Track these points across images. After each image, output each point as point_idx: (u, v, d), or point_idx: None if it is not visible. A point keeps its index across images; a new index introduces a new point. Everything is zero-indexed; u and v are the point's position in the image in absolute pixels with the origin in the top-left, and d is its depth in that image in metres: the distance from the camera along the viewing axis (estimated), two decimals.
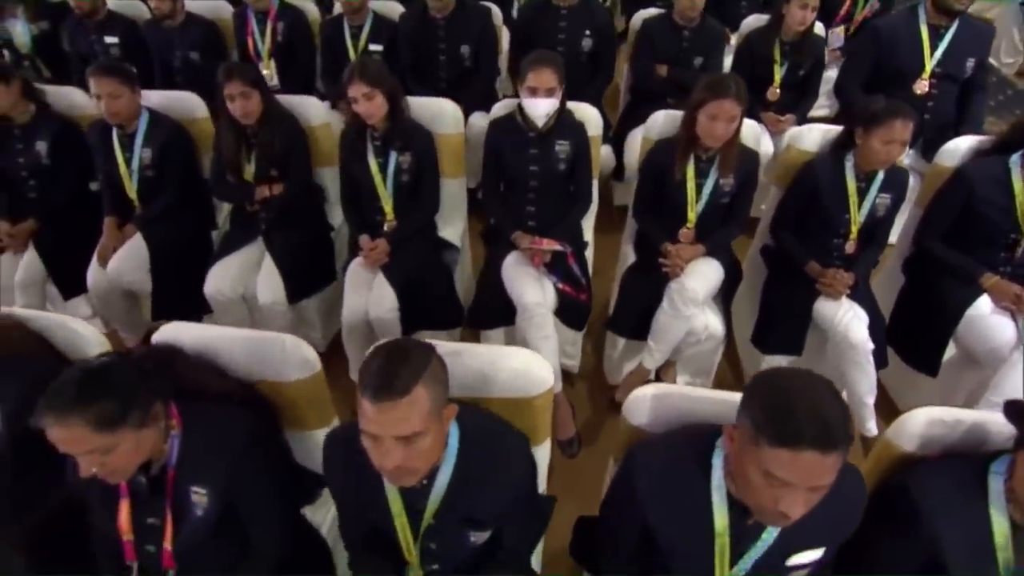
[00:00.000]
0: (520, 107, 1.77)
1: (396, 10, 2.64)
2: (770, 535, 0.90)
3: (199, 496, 1.02)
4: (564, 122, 1.78)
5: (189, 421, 1.04)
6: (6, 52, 2.89)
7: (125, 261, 1.93)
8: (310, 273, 2.00)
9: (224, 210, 2.28)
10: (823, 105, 2.88)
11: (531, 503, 1.06)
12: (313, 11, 2.79)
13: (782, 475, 0.75)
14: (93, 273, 1.98)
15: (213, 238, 2.20)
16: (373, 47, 2.57)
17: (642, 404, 1.08)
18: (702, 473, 0.92)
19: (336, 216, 2.16)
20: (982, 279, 1.66)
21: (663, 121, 1.88)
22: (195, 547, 1.06)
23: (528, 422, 1.14)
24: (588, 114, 1.89)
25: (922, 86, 2.17)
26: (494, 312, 1.85)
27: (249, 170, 1.90)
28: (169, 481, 1.02)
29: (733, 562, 0.92)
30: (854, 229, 1.74)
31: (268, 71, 2.70)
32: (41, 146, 2.07)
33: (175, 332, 1.18)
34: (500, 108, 1.90)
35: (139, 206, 2.03)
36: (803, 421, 0.74)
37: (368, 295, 1.79)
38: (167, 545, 1.05)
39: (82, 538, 1.24)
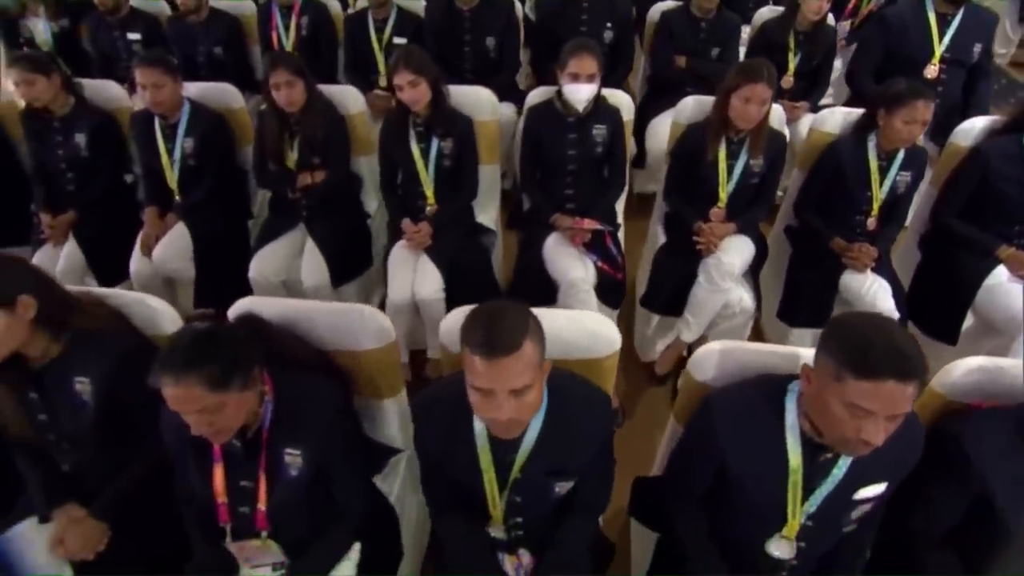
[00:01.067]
0: (559, 93, 1.84)
1: (420, 4, 2.70)
2: (840, 470, 0.98)
3: (293, 457, 1.08)
4: (600, 107, 1.86)
5: (280, 386, 1.09)
6: (27, 50, 2.89)
7: (169, 249, 1.97)
8: (350, 258, 2.05)
9: (259, 200, 2.33)
10: (828, 94, 2.99)
11: (608, 459, 1.13)
12: (336, 6, 2.85)
13: (866, 405, 0.83)
14: (136, 262, 2.02)
15: (249, 227, 2.25)
16: (397, 40, 2.62)
17: (708, 360, 1.16)
18: (776, 415, 1.00)
19: (371, 204, 2.22)
20: (999, 251, 1.77)
21: (692, 106, 1.97)
22: (287, 508, 1.11)
23: (597, 382, 1.21)
24: (621, 100, 1.97)
25: (932, 71, 2.28)
26: (533, 292, 1.92)
27: (291, 158, 1.95)
28: (264, 443, 1.08)
29: (805, 498, 1.00)
30: (875, 206, 1.84)
31: None
32: (80, 138, 2.10)
33: (254, 305, 1.23)
34: (536, 96, 1.97)
35: (179, 195, 2.08)
36: (882, 354, 0.82)
37: (413, 277, 1.85)
38: (261, 506, 1.10)
39: (168, 506, 1.29)
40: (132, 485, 1.27)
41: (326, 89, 2.01)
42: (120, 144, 2.21)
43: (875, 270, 1.81)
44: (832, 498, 1.00)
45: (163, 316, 1.31)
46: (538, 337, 0.93)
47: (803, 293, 1.94)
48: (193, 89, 2.09)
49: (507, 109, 2.41)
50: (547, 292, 1.88)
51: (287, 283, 2.00)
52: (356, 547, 1.21)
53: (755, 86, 1.67)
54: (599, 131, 1.87)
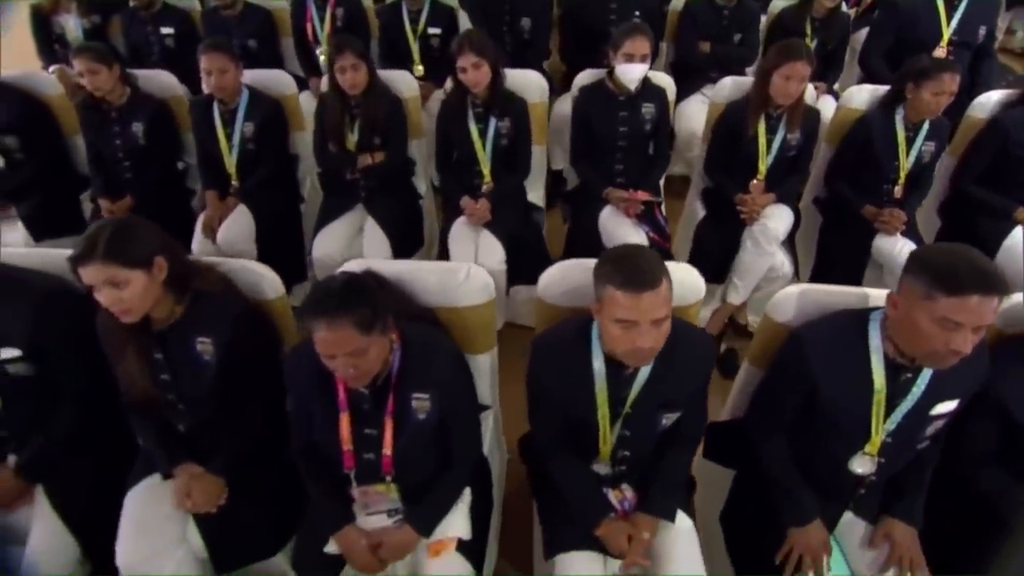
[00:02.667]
0: (610, 73, 1.97)
1: None
2: (919, 388, 1.12)
3: (420, 401, 1.17)
4: (648, 86, 1.99)
5: (406, 334, 1.18)
6: (57, 46, 2.93)
7: (233, 231, 2.04)
8: (407, 237, 2.14)
9: (308, 185, 2.41)
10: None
11: (705, 396, 1.25)
12: None
13: (956, 318, 0.96)
14: (198, 244, 2.08)
15: (301, 210, 2.33)
16: (432, 30, 2.72)
17: (787, 303, 1.28)
18: (861, 342, 1.12)
19: (421, 186, 2.32)
20: (1016, 213, 1.93)
21: (729, 87, 2.10)
22: (411, 452, 1.20)
23: None
24: (665, 80, 2.10)
25: (940, 54, 2.45)
26: None
27: (351, 139, 2.03)
28: (392, 389, 1.16)
29: (887, 415, 1.13)
30: (902, 174, 1.99)
31: (327, 56, 2.82)
32: (137, 127, 2.16)
33: (366, 267, 1.32)
34: (586, 77, 2.10)
35: (236, 179, 2.14)
36: (968, 272, 0.95)
37: (474, 251, 1.95)
38: (387, 451, 1.19)
39: (279, 465, 1.37)
40: (246, 444, 1.35)
41: (382, 74, 2.10)
42: (174, 132, 2.27)
43: (903, 234, 1.97)
44: (911, 414, 1.13)
45: (267, 282, 1.39)
46: (668, 275, 1.04)
47: (836, 257, 2.09)
48: (248, 76, 2.16)
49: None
50: None
51: (347, 262, 2.07)
52: (467, 493, 1.30)
53: (795, 64, 1.81)
54: (647, 109, 1.99)
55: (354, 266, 1.31)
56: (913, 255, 1.06)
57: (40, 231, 2.22)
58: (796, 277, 2.10)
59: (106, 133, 2.17)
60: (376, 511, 1.27)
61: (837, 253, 2.09)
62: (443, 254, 2.05)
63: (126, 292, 1.13)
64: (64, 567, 1.35)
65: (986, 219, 2.00)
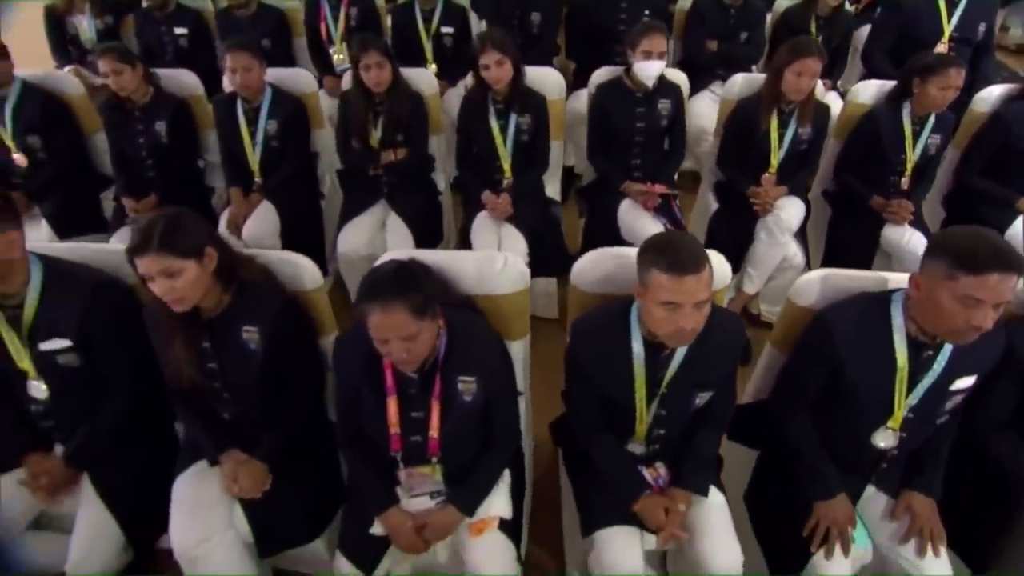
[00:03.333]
0: (627, 70, 2.03)
1: None
2: (939, 364, 1.18)
3: (466, 384, 1.22)
4: (664, 83, 2.05)
5: (451, 320, 1.23)
6: (71, 47, 2.95)
7: (259, 227, 2.08)
8: (429, 231, 2.20)
9: (328, 181, 2.45)
10: None
11: (735, 376, 1.31)
12: None
13: (978, 295, 1.02)
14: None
15: (322, 207, 2.37)
16: (445, 30, 2.78)
17: (809, 288, 1.35)
18: (884, 322, 1.19)
19: (440, 181, 2.37)
20: (1018, 203, 2.01)
21: (741, 83, 2.17)
22: (457, 434, 1.25)
23: None
24: (680, 77, 2.17)
25: (942, 50, 2.53)
26: None
27: (375, 136, 2.08)
28: (439, 373, 1.21)
29: (909, 391, 1.20)
30: (909, 167, 2.07)
31: (340, 55, 2.87)
32: (160, 126, 2.20)
33: (410, 256, 1.37)
34: (603, 74, 2.16)
35: (259, 176, 2.18)
36: (988, 252, 1.02)
37: (497, 245, 2.00)
38: (433, 433, 1.24)
39: (320, 452, 1.42)
40: (290, 431, 1.39)
41: (407, 73, 2.15)
42: (195, 130, 2.31)
43: (911, 224, 2.04)
44: (932, 390, 1.19)
45: (306, 273, 1.43)
46: (709, 261, 1.10)
47: (845, 247, 2.16)
48: (270, 75, 2.20)
49: None
50: None
51: (371, 256, 2.12)
52: (507, 474, 1.36)
53: (807, 60, 1.88)
54: (664, 105, 2.05)
55: (399, 256, 1.35)
56: (934, 238, 1.12)
57: (64, 229, 2.25)
58: (807, 267, 2.17)
59: (129, 132, 2.20)
60: (419, 493, 1.31)
61: (846, 243, 2.16)
62: (463, 248, 2.10)
63: (179, 282, 1.18)
64: (109, 554, 1.39)
65: (989, 209, 2.07)
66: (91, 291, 1.37)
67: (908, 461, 1.31)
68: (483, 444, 1.30)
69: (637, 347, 1.20)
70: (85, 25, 2.95)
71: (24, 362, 1.36)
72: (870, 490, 1.32)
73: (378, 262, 1.28)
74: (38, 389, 1.39)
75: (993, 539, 1.28)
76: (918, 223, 2.07)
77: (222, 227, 2.13)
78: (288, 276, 1.42)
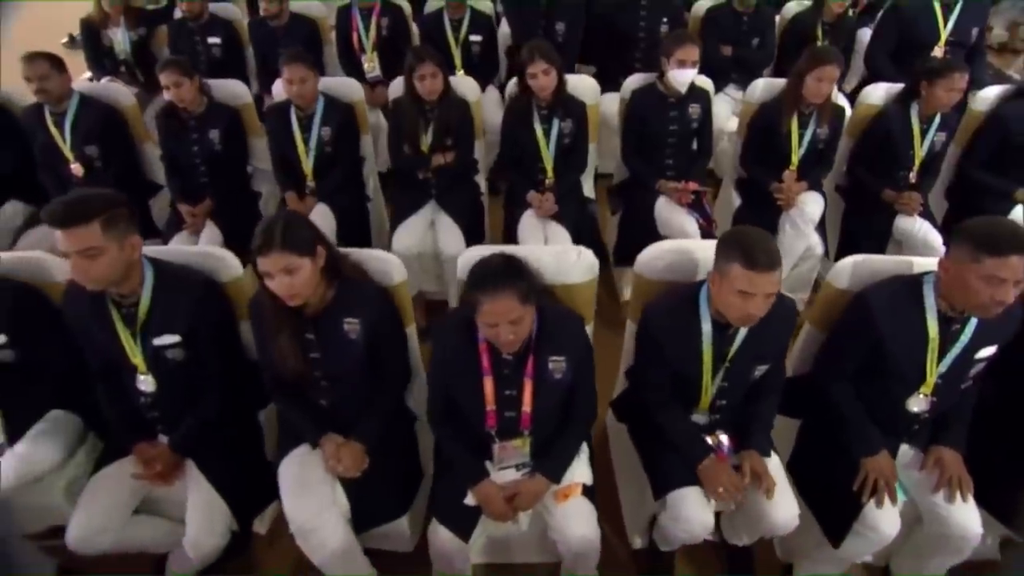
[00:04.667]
0: (660, 76, 2.20)
1: (488, 3, 3.02)
2: (966, 336, 1.37)
3: (556, 363, 1.37)
4: (694, 89, 2.23)
5: (540, 306, 1.37)
6: (106, 60, 3.04)
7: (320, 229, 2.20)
8: (473, 230, 2.34)
9: (371, 184, 2.59)
10: None
11: (785, 350, 1.48)
12: (407, 7, 3.11)
13: (1001, 275, 1.20)
14: None
15: (368, 209, 2.51)
16: (473, 38, 2.92)
17: (845, 272, 1.53)
18: (916, 300, 1.37)
19: (482, 183, 2.52)
20: (1016, 193, 2.23)
21: (762, 88, 2.36)
22: (547, 409, 1.40)
23: None
24: (707, 83, 2.34)
25: (939, 53, 2.75)
26: (637, 250, 2.24)
27: (425, 141, 2.22)
28: (531, 353, 1.37)
29: (939, 360, 1.38)
30: (917, 162, 2.27)
31: (371, 63, 3.00)
32: (214, 134, 2.32)
33: (482, 252, 1.51)
34: (636, 81, 2.32)
35: (312, 180, 2.31)
36: (1008, 236, 1.20)
37: (543, 241, 2.16)
38: (526, 408, 1.39)
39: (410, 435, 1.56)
40: (386, 415, 1.53)
41: (455, 81, 2.29)
42: (246, 138, 2.43)
43: (920, 214, 2.25)
44: (959, 358, 1.38)
45: (394, 269, 1.58)
46: (781, 261, 1.26)
47: (861, 237, 2.35)
48: (321, 84, 2.33)
49: None
50: None
51: (421, 254, 2.27)
52: (585, 446, 1.51)
53: (827, 67, 2.07)
54: (694, 109, 2.23)
55: (490, 251, 1.49)
56: (958, 228, 1.30)
57: None
58: (826, 255, 2.37)
59: (184, 141, 2.32)
60: (506, 466, 1.47)
61: (861, 233, 2.36)
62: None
63: (297, 278, 1.31)
64: (220, 531, 1.52)
65: (988, 199, 2.28)
66: (199, 289, 1.50)
67: (935, 422, 1.50)
68: (568, 417, 1.45)
69: (706, 326, 1.37)
70: (120, 37, 3.04)
71: (136, 357, 1.48)
72: (904, 448, 1.51)
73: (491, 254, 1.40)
74: (147, 382, 1.51)
75: (1017, 492, 1.47)
76: (926, 213, 2.27)
77: None
78: (377, 272, 1.56)
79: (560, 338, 1.37)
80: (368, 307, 1.45)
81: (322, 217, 2.23)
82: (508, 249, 1.47)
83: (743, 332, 1.37)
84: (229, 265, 1.62)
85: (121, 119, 2.41)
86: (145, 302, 1.45)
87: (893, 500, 1.38)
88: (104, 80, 2.97)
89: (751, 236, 1.27)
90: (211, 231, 2.28)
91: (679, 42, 2.10)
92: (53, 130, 2.29)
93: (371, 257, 1.57)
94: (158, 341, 1.46)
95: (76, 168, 2.34)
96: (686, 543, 1.48)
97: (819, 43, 2.93)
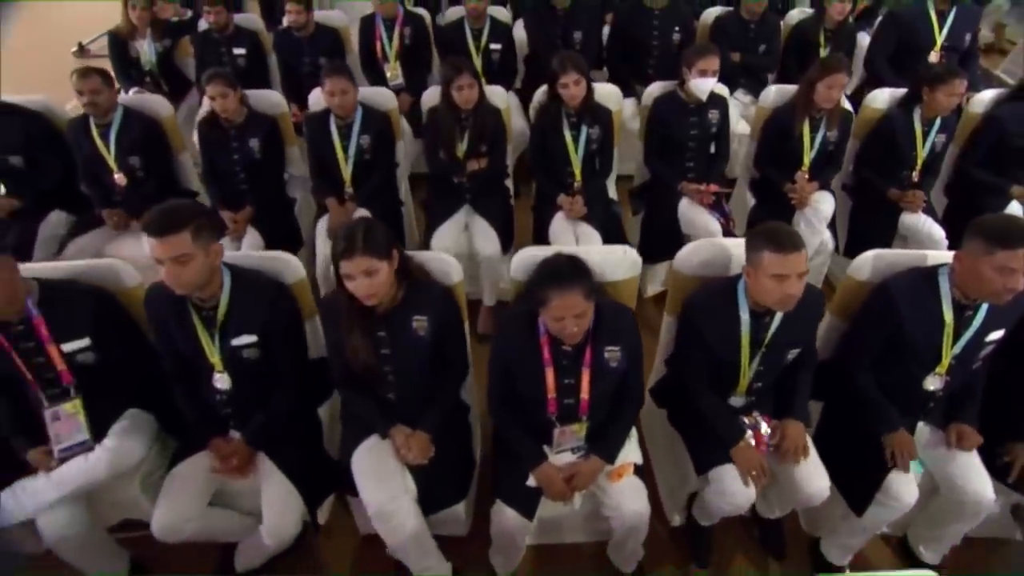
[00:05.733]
0: (681, 84, 2.36)
1: (505, 13, 3.16)
2: (978, 320, 1.53)
3: (612, 353, 1.50)
4: (713, 96, 2.38)
5: (596, 300, 1.51)
6: (133, 71, 3.13)
7: None
8: (505, 232, 2.48)
9: (403, 189, 2.71)
10: None
11: (815, 334, 1.64)
12: (427, 17, 3.24)
13: (1012, 265, 1.36)
14: (322, 246, 2.36)
15: (403, 213, 2.63)
16: (494, 46, 3.06)
17: (865, 266, 1.69)
18: (933, 289, 1.54)
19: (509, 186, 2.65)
20: (1011, 190, 2.41)
21: (774, 93, 2.52)
22: (603, 396, 1.54)
23: None
24: (724, 90, 2.50)
25: (934, 57, 2.94)
26: (660, 249, 2.42)
27: (461, 148, 2.35)
28: (589, 344, 1.50)
29: (954, 342, 1.55)
30: (919, 162, 2.45)
31: (394, 71, 3.13)
32: (254, 143, 2.43)
33: (541, 251, 1.65)
34: (657, 88, 2.48)
35: (350, 187, 2.43)
36: (1017, 232, 1.37)
37: (574, 241, 2.30)
38: (584, 396, 1.52)
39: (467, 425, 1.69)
40: (449, 407, 1.66)
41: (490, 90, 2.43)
42: (283, 146, 2.54)
43: (923, 211, 2.43)
44: (971, 341, 1.54)
45: (453, 269, 1.71)
46: (803, 241, 1.42)
47: (868, 233, 2.52)
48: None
49: None
50: (669, 248, 2.38)
51: (457, 255, 2.39)
52: (634, 429, 1.66)
53: (837, 75, 2.24)
54: (713, 115, 2.39)
55: (544, 252, 1.61)
56: (972, 224, 1.46)
57: None
58: (836, 251, 2.54)
59: (225, 149, 2.42)
60: (563, 449, 1.60)
61: (868, 229, 2.53)
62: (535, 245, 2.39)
63: (376, 279, 1.43)
64: (294, 519, 1.64)
65: (985, 196, 2.47)
66: (272, 291, 1.62)
67: (948, 401, 1.66)
68: (620, 402, 1.60)
69: (744, 315, 1.53)
70: (146, 48, 3.13)
71: (214, 357, 1.59)
72: (920, 427, 1.67)
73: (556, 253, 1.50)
74: (223, 380, 1.63)
75: None
76: (928, 210, 2.45)
77: (322, 233, 2.37)
78: (437, 272, 1.68)
79: (615, 330, 1.51)
80: (435, 306, 1.58)
81: None
82: (565, 249, 1.61)
83: (778, 319, 1.53)
84: (294, 268, 1.74)
85: (161, 130, 2.51)
86: (224, 304, 1.56)
87: (906, 467, 1.54)
88: (132, 91, 3.06)
89: (773, 226, 1.44)
90: (252, 236, 2.39)
91: (701, 53, 2.26)
92: (99, 142, 2.38)
93: (432, 259, 1.70)
94: (236, 341, 1.58)
95: (119, 178, 2.43)
96: (729, 515, 1.63)
97: (821, 48, 3.11)
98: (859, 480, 1.65)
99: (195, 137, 2.78)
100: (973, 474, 1.58)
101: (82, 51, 5.03)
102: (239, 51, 3.10)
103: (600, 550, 1.85)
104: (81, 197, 2.57)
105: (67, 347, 1.58)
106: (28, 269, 1.63)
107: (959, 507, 1.61)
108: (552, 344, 1.50)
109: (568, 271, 1.37)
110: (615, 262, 1.67)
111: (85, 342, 1.60)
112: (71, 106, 2.62)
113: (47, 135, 2.45)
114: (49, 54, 4.95)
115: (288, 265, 1.73)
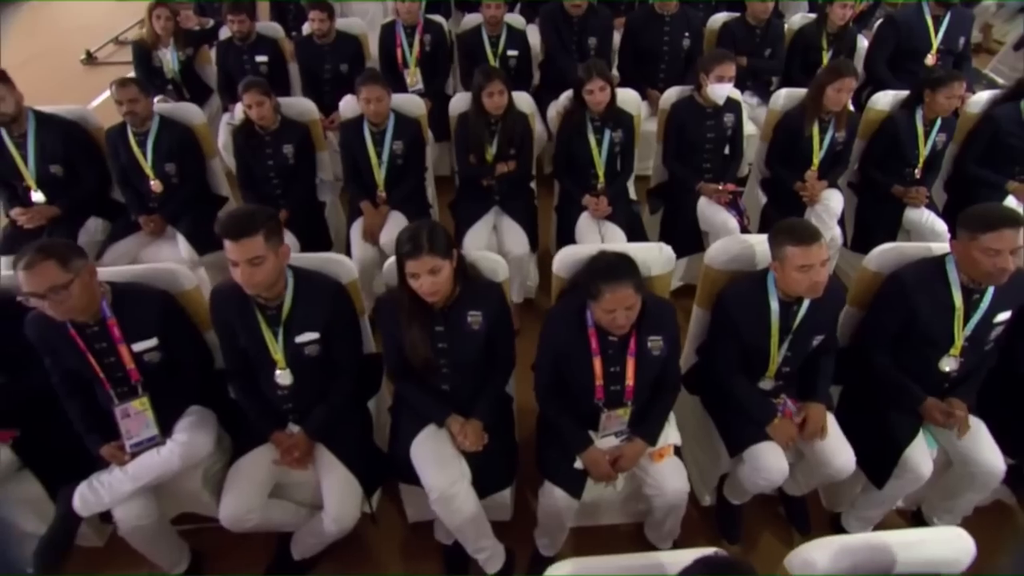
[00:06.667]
0: (698, 89, 2.51)
1: (521, 20, 3.30)
2: (985, 303, 1.69)
3: (655, 342, 1.64)
4: (728, 100, 2.54)
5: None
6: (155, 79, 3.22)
7: (396, 235, 2.42)
8: (533, 232, 2.61)
9: (430, 193, 2.83)
10: None
11: (837, 322, 1.79)
12: (445, 24, 3.37)
13: (996, 247, 1.52)
14: (359, 248, 2.47)
15: (432, 215, 2.75)
16: (511, 52, 3.20)
17: (877, 258, 1.85)
18: (942, 276, 1.69)
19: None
20: (1007, 185, 2.60)
21: (785, 97, 2.68)
22: (647, 382, 1.67)
23: None
24: (738, 94, 2.65)
25: (931, 60, 3.13)
26: (679, 245, 2.53)
27: (490, 152, 2.48)
28: (634, 335, 1.64)
29: (964, 325, 1.70)
30: (921, 160, 2.62)
31: (414, 77, 3.25)
32: (288, 149, 2.54)
33: (579, 251, 1.79)
34: (675, 94, 2.62)
35: (383, 191, 2.54)
36: (999, 216, 1.54)
37: (599, 240, 2.44)
38: (629, 382, 1.65)
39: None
40: (497, 398, 1.79)
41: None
42: (314, 152, 2.65)
43: (925, 206, 2.60)
44: (980, 323, 1.70)
45: (500, 268, 1.84)
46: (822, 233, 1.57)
47: (874, 227, 2.70)
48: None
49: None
50: (692, 244, 2.54)
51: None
52: (672, 413, 1.79)
53: (845, 80, 2.40)
54: (728, 118, 2.54)
55: (586, 251, 1.75)
56: (960, 215, 1.62)
57: (203, 246, 2.55)
58: (845, 245, 2.71)
59: (259, 155, 2.53)
60: (607, 433, 1.74)
61: (874, 224, 2.70)
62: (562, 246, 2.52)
63: (440, 277, 1.55)
64: (355, 506, 1.75)
65: (983, 190, 2.65)
66: (333, 291, 1.73)
67: (961, 382, 1.82)
68: (657, 389, 1.73)
69: (774, 304, 1.67)
70: (169, 58, 3.22)
71: (277, 354, 1.70)
72: None
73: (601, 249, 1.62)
74: (284, 376, 1.73)
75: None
76: (930, 205, 2.63)
77: (357, 236, 2.48)
78: (486, 270, 1.80)
79: (657, 321, 1.64)
80: (487, 301, 1.70)
81: (399, 224, 2.47)
82: (612, 247, 1.74)
83: (804, 307, 1.68)
84: (348, 269, 1.86)
85: (194, 137, 2.60)
86: (288, 303, 1.67)
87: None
88: (155, 99, 3.14)
89: (791, 222, 1.59)
90: (288, 239, 2.47)
91: (718, 60, 2.41)
92: (136, 150, 2.48)
93: (482, 258, 1.83)
94: (299, 339, 1.69)
95: (155, 184, 2.53)
96: (763, 491, 1.78)
97: (823, 52, 3.29)
98: (879, 455, 1.80)
99: (219, 143, 2.90)
100: (984, 446, 1.73)
101: (90, 59, 5.09)
102: (261, 58, 3.21)
103: (635, 531, 1.99)
104: (114, 204, 2.66)
105: (137, 347, 1.68)
106: (100, 273, 1.72)
107: (971, 478, 1.77)
108: (599, 335, 1.63)
109: (621, 267, 1.50)
110: (652, 259, 1.81)
111: (153, 342, 1.70)
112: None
113: (84, 144, 2.53)
114: (55, 61, 5.01)
115: (342, 266, 1.85)
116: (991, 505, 2.01)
